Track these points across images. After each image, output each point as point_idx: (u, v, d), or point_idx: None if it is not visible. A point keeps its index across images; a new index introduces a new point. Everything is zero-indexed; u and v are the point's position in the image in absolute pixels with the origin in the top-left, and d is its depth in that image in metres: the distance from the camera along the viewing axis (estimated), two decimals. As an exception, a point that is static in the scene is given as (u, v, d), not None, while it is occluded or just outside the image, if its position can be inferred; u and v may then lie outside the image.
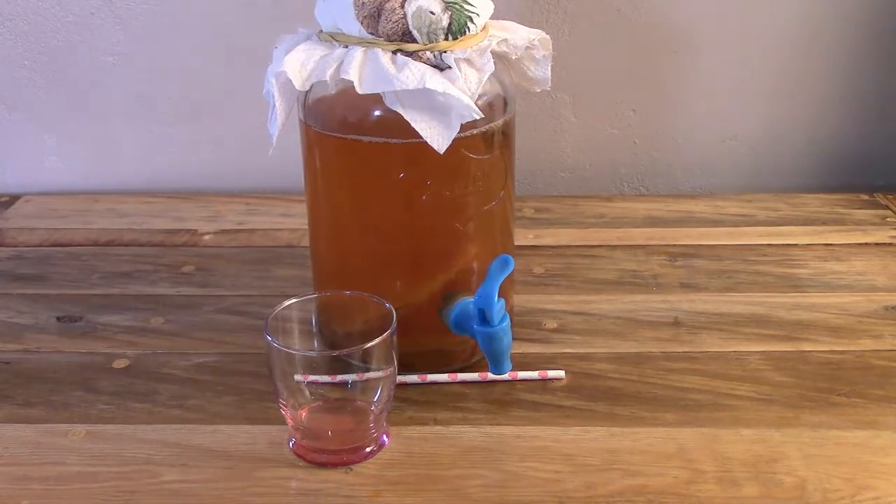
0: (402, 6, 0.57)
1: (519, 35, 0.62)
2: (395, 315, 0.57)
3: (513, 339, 0.60)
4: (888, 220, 0.91)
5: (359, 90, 0.56)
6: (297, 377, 0.57)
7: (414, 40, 0.57)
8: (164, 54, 0.96)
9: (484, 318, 0.59)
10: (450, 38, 0.58)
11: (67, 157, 1.01)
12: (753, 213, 0.93)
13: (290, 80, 0.57)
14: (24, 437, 0.60)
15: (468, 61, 0.58)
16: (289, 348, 0.58)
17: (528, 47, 0.62)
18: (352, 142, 0.60)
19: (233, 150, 1.01)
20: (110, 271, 0.83)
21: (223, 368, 0.68)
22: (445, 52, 0.57)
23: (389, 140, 0.59)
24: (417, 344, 0.64)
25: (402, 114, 0.56)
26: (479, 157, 0.61)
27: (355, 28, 0.58)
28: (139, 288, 0.80)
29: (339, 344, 0.62)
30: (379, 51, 0.57)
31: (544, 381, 0.66)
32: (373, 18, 0.57)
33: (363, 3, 0.57)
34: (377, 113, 0.58)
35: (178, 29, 0.95)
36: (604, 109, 0.99)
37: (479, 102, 0.56)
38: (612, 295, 0.78)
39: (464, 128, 0.56)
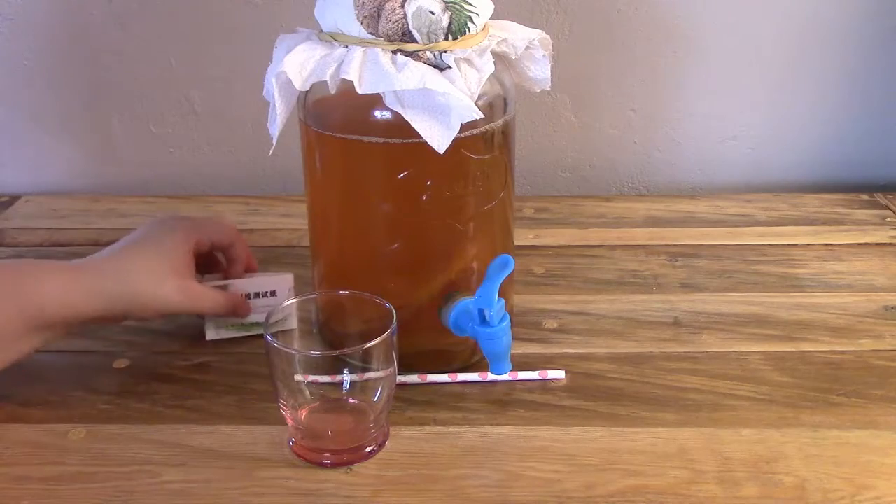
0: (402, 6, 0.57)
1: (519, 35, 0.62)
2: (395, 315, 0.57)
3: (513, 339, 0.60)
4: (888, 220, 0.92)
5: (359, 90, 0.56)
6: (297, 377, 0.57)
7: (414, 40, 0.57)
8: (163, 54, 0.96)
9: (483, 318, 0.59)
10: (450, 38, 0.58)
11: (67, 157, 1.01)
12: (753, 213, 0.93)
13: (290, 80, 0.57)
14: (24, 437, 0.60)
15: (468, 61, 0.58)
16: (289, 348, 0.58)
17: (528, 47, 0.62)
18: (352, 142, 0.60)
19: (233, 150, 1.01)
20: (110, 271, 0.82)
21: (223, 368, 0.68)
22: (445, 52, 0.57)
23: (389, 140, 0.59)
24: (417, 344, 0.64)
25: (402, 114, 0.56)
26: (479, 157, 0.61)
27: (355, 28, 0.58)
28: (139, 288, 0.80)
29: (339, 344, 0.62)
30: (379, 51, 0.57)
31: (544, 381, 0.66)
32: (373, 18, 0.57)
33: (363, 3, 0.57)
34: (377, 113, 0.58)
35: (177, 29, 0.95)
36: (604, 109, 0.99)
37: (479, 102, 0.56)
38: (612, 295, 0.78)
39: (464, 128, 0.56)
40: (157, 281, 0.63)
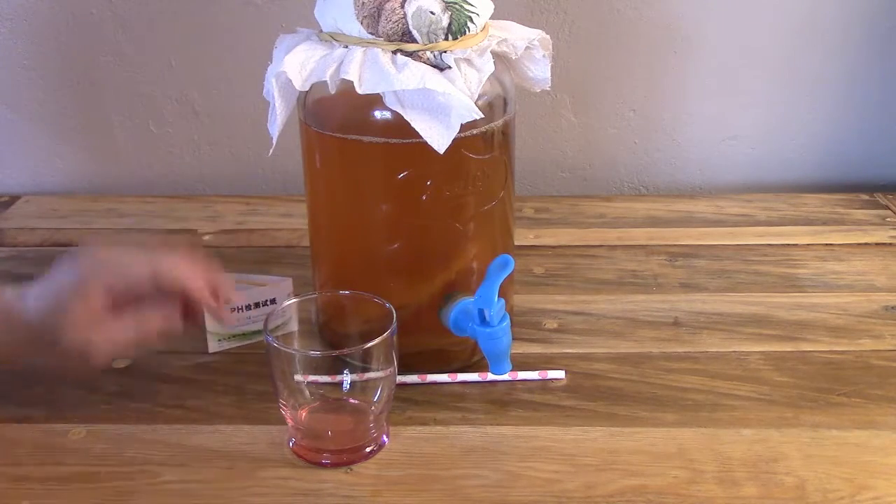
0: (402, 6, 0.57)
1: (519, 35, 0.62)
2: (395, 315, 0.57)
3: (513, 339, 0.60)
4: (888, 220, 0.92)
5: (359, 90, 0.56)
6: (297, 377, 0.57)
7: (414, 40, 0.57)
8: (163, 54, 0.96)
9: (483, 318, 0.59)
10: (450, 38, 0.58)
11: (67, 157, 1.01)
12: (753, 213, 0.93)
13: (290, 80, 0.57)
14: (24, 437, 0.60)
15: (468, 61, 0.58)
16: (289, 348, 0.58)
17: (528, 47, 0.62)
18: (352, 142, 0.60)
19: (233, 150, 1.01)
20: (110, 271, 0.82)
21: (223, 368, 0.68)
22: (445, 52, 0.57)
23: (389, 140, 0.59)
24: (417, 344, 0.64)
25: (402, 114, 0.56)
26: (479, 157, 0.61)
27: (355, 28, 0.58)
28: (139, 288, 0.79)
29: (339, 344, 0.62)
30: (379, 51, 0.57)
31: (544, 381, 0.66)
32: (373, 18, 0.57)
33: (363, 3, 0.57)
34: (377, 113, 0.58)
35: (177, 29, 0.95)
36: (604, 109, 0.99)
37: (479, 102, 0.56)
38: (612, 295, 0.78)
39: (464, 128, 0.56)
40: (55, 339, 0.56)
